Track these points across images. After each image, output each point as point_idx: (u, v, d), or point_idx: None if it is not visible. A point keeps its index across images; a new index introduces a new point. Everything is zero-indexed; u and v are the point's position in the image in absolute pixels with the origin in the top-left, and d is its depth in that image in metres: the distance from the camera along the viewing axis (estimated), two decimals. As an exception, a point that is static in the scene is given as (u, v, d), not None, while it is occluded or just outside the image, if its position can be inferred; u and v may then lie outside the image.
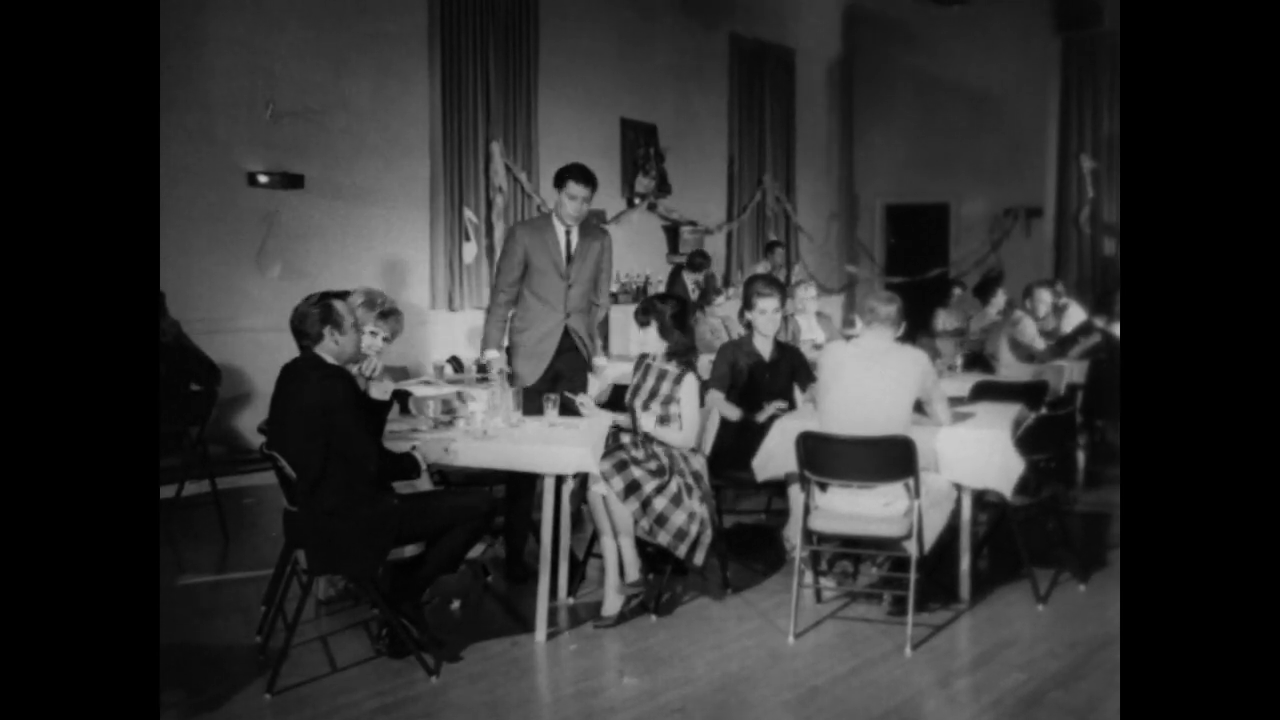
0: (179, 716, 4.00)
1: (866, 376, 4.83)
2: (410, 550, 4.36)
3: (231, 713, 4.02)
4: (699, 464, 5.11)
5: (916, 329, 7.18)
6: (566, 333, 5.61)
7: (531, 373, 5.57)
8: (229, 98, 8.39)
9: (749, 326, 6.00)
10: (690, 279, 10.77)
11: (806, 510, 4.81)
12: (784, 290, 6.21)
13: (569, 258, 5.59)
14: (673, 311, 5.20)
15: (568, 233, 5.59)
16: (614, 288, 10.97)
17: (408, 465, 4.40)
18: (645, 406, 5.10)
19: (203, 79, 8.23)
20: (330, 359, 4.29)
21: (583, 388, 5.57)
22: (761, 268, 11.91)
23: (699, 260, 10.96)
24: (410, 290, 9.64)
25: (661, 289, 11.00)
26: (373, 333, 4.85)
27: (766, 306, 5.87)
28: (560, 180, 5.52)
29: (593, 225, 5.76)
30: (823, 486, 4.82)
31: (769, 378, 5.86)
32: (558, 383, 5.51)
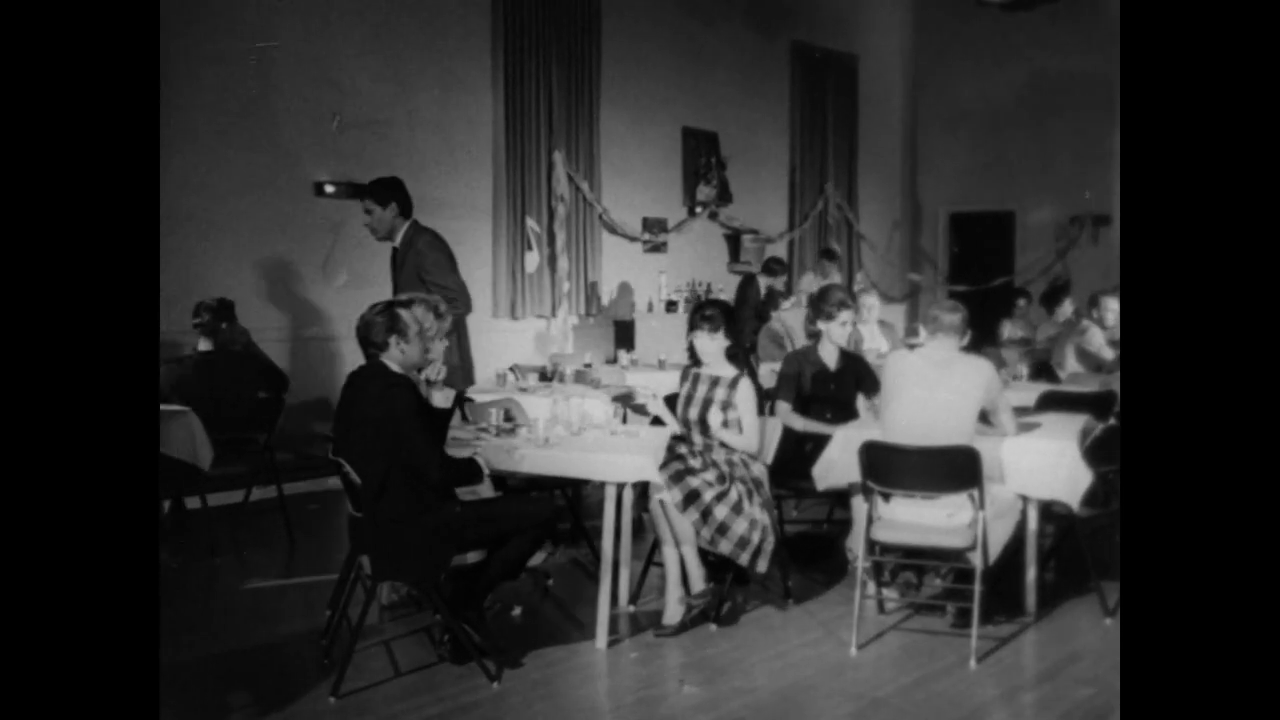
0: (245, 718, 4.06)
1: (931, 386, 4.78)
2: (472, 557, 4.38)
3: (296, 715, 4.07)
4: (758, 470, 5.09)
5: (981, 338, 7.09)
6: None
7: None
8: (297, 110, 8.54)
9: (815, 336, 5.96)
10: (764, 283, 10.79)
11: (869, 520, 4.77)
12: (855, 303, 6.20)
13: (395, 268, 5.69)
14: (724, 313, 5.20)
15: (395, 248, 5.69)
16: (674, 296, 10.99)
17: (471, 471, 4.43)
18: (704, 413, 5.08)
19: (272, 93, 8.38)
20: (395, 367, 4.35)
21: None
22: (813, 279, 11.84)
23: (776, 267, 11.01)
24: (472, 299, 9.70)
25: (722, 297, 10.98)
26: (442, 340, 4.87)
27: (848, 317, 5.85)
28: None
29: (417, 229, 5.72)
30: (886, 496, 4.77)
31: (834, 387, 5.82)
32: None
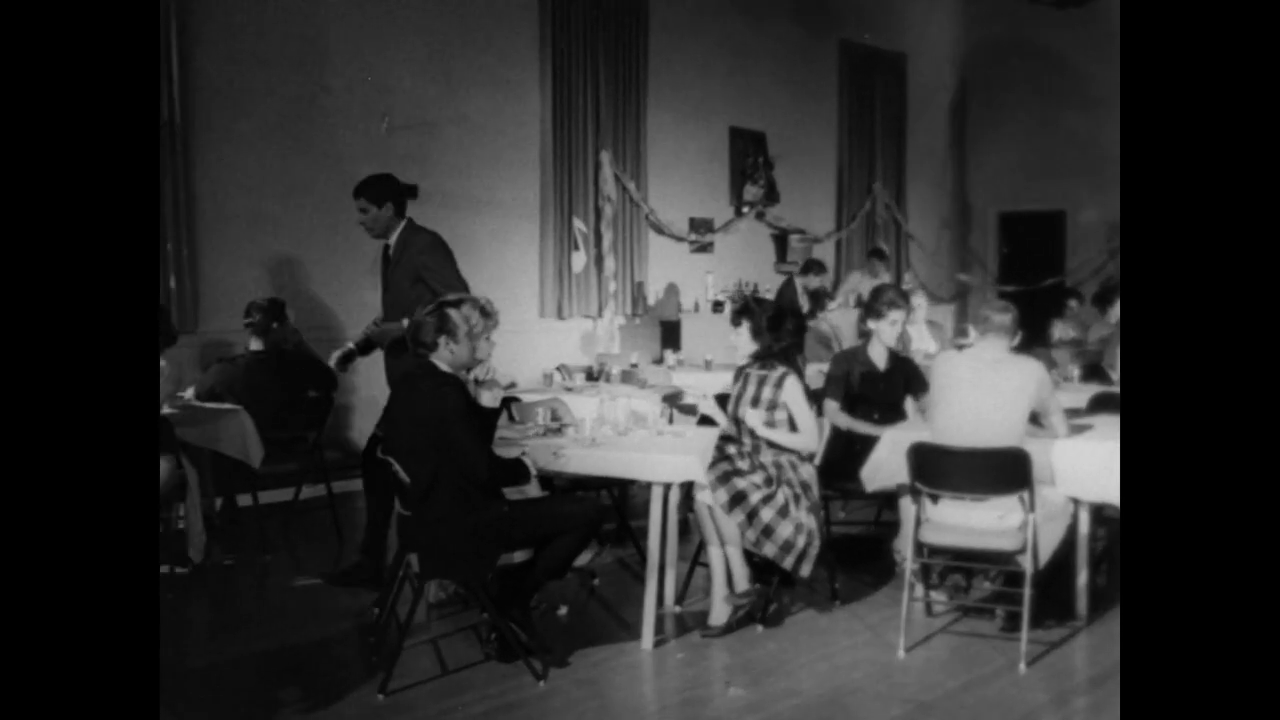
0: (294, 714, 4.10)
1: (980, 387, 4.73)
2: (519, 556, 4.39)
3: (344, 712, 4.10)
4: (808, 473, 5.07)
5: (1032, 339, 7.01)
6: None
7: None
8: (347, 112, 8.62)
9: (865, 335, 5.92)
10: (800, 282, 10.70)
11: (917, 522, 4.73)
12: (909, 304, 6.13)
13: (387, 266, 5.63)
14: (769, 315, 5.17)
15: (388, 245, 5.64)
16: (721, 297, 10.97)
17: (518, 471, 4.44)
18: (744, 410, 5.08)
19: (322, 95, 8.46)
20: (445, 367, 4.38)
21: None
22: (860, 277, 11.78)
23: (814, 267, 10.94)
24: (519, 299, 9.75)
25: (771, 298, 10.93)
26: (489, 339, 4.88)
27: (899, 317, 5.81)
28: None
29: (413, 229, 5.66)
30: (934, 498, 4.74)
31: (883, 388, 5.78)
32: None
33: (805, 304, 10.38)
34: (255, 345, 6.71)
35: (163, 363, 5.69)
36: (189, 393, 6.33)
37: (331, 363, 5.75)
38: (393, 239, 5.63)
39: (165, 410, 5.70)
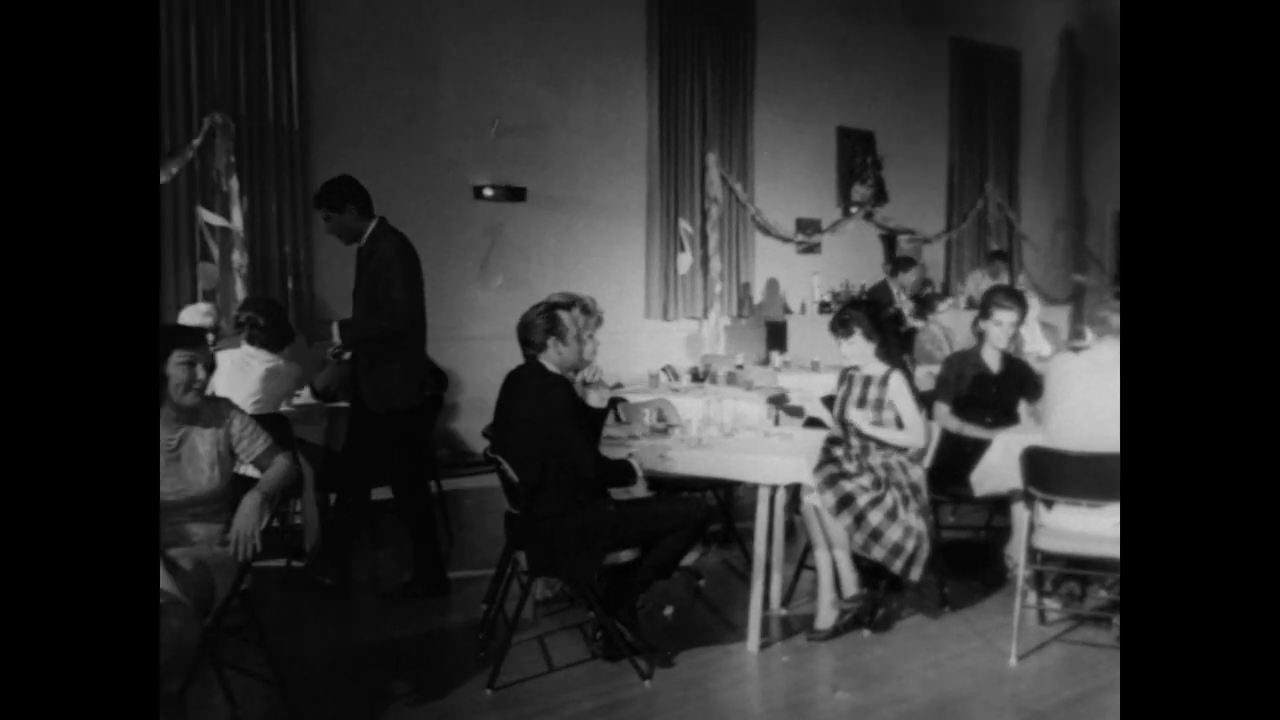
0: (404, 706, 4.18)
1: (1098, 390, 4.60)
2: (626, 555, 4.42)
3: (454, 706, 4.17)
4: (917, 475, 4.99)
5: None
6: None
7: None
8: (458, 116, 8.78)
9: (980, 336, 5.81)
10: (894, 285, 10.52)
11: (1031, 528, 4.63)
12: (1024, 306, 5.94)
13: (359, 269, 5.50)
14: (871, 312, 5.11)
15: (360, 250, 5.48)
16: (826, 297, 10.87)
17: (624, 472, 4.47)
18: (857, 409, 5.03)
19: (434, 100, 8.63)
20: (553, 367, 4.43)
21: (371, 401, 5.41)
22: (980, 278, 11.55)
23: (902, 263, 10.71)
24: (626, 300, 9.80)
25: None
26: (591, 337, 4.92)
27: (1004, 319, 5.68)
28: None
29: (381, 232, 5.45)
30: (1048, 504, 4.63)
31: (995, 391, 5.67)
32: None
33: (904, 304, 10.14)
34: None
35: (282, 362, 5.86)
36: (305, 392, 6.50)
37: (327, 354, 5.76)
38: (364, 240, 5.47)
39: (283, 408, 5.86)
